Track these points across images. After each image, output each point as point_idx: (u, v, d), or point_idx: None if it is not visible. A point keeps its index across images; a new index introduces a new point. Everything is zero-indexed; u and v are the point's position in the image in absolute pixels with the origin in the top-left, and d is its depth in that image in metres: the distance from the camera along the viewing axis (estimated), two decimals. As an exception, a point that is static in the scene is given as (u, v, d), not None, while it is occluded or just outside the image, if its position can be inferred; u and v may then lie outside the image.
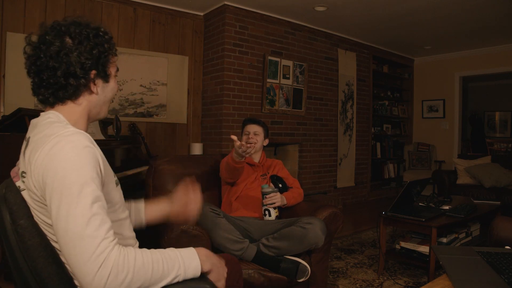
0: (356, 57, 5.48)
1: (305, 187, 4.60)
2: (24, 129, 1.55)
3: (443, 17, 4.33)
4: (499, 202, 3.24)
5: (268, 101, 4.35)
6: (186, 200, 1.26)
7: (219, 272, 1.05)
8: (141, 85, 3.99)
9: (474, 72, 5.95)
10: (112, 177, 1.00)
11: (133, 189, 2.77)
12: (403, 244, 2.74)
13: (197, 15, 4.35)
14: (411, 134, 6.70)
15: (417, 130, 6.66)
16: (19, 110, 2.24)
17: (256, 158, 2.34)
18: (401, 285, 2.49)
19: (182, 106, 4.30)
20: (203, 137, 4.40)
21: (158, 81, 4.11)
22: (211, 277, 1.03)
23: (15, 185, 0.93)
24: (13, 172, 0.97)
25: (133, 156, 3.18)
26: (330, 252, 2.14)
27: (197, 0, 3.98)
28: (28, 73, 0.95)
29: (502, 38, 5.16)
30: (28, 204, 0.91)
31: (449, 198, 3.23)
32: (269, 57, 4.33)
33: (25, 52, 0.95)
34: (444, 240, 2.65)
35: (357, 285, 2.48)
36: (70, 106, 0.97)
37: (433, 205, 2.87)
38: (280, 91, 4.48)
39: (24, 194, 0.91)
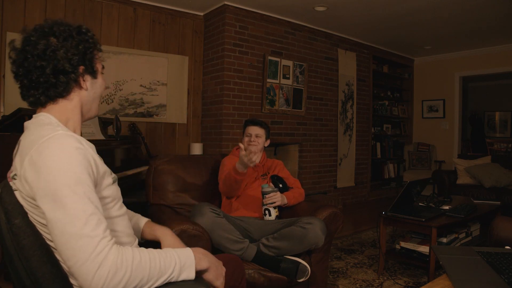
0: (356, 57, 5.48)
1: (305, 187, 4.58)
2: (24, 129, 1.55)
3: (443, 17, 4.33)
4: (499, 202, 3.23)
5: (268, 101, 4.35)
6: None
7: (217, 270, 1.06)
8: (141, 85, 3.99)
9: (474, 72, 5.95)
10: (108, 175, 1.00)
11: (133, 189, 2.78)
12: (403, 244, 2.73)
13: (197, 15, 4.35)
14: (411, 134, 6.70)
15: (417, 130, 6.66)
16: (19, 110, 2.24)
17: (257, 158, 2.34)
18: (401, 285, 2.49)
19: (182, 106, 4.30)
20: (203, 137, 4.40)
21: (158, 81, 4.11)
22: (209, 275, 1.04)
23: (10, 185, 0.93)
24: (9, 173, 0.98)
25: (133, 156, 3.18)
26: (330, 252, 2.14)
27: (197, 0, 3.98)
28: (16, 76, 0.95)
29: (502, 38, 5.16)
30: (22, 204, 0.91)
31: (449, 198, 3.23)
32: (269, 57, 4.33)
33: (10, 57, 0.95)
34: (444, 240, 2.65)
35: (357, 285, 2.48)
36: (61, 104, 0.97)
37: (433, 205, 2.87)
38: (280, 91, 4.48)
39: (17, 194, 0.91)
